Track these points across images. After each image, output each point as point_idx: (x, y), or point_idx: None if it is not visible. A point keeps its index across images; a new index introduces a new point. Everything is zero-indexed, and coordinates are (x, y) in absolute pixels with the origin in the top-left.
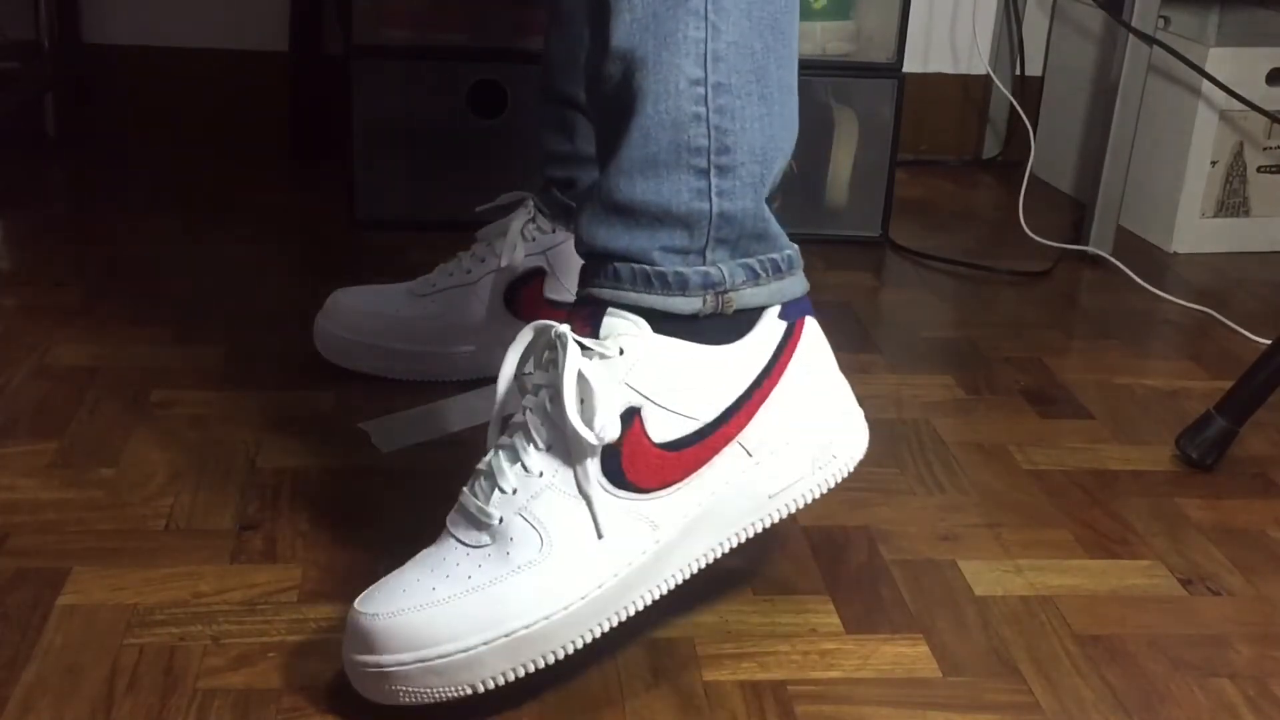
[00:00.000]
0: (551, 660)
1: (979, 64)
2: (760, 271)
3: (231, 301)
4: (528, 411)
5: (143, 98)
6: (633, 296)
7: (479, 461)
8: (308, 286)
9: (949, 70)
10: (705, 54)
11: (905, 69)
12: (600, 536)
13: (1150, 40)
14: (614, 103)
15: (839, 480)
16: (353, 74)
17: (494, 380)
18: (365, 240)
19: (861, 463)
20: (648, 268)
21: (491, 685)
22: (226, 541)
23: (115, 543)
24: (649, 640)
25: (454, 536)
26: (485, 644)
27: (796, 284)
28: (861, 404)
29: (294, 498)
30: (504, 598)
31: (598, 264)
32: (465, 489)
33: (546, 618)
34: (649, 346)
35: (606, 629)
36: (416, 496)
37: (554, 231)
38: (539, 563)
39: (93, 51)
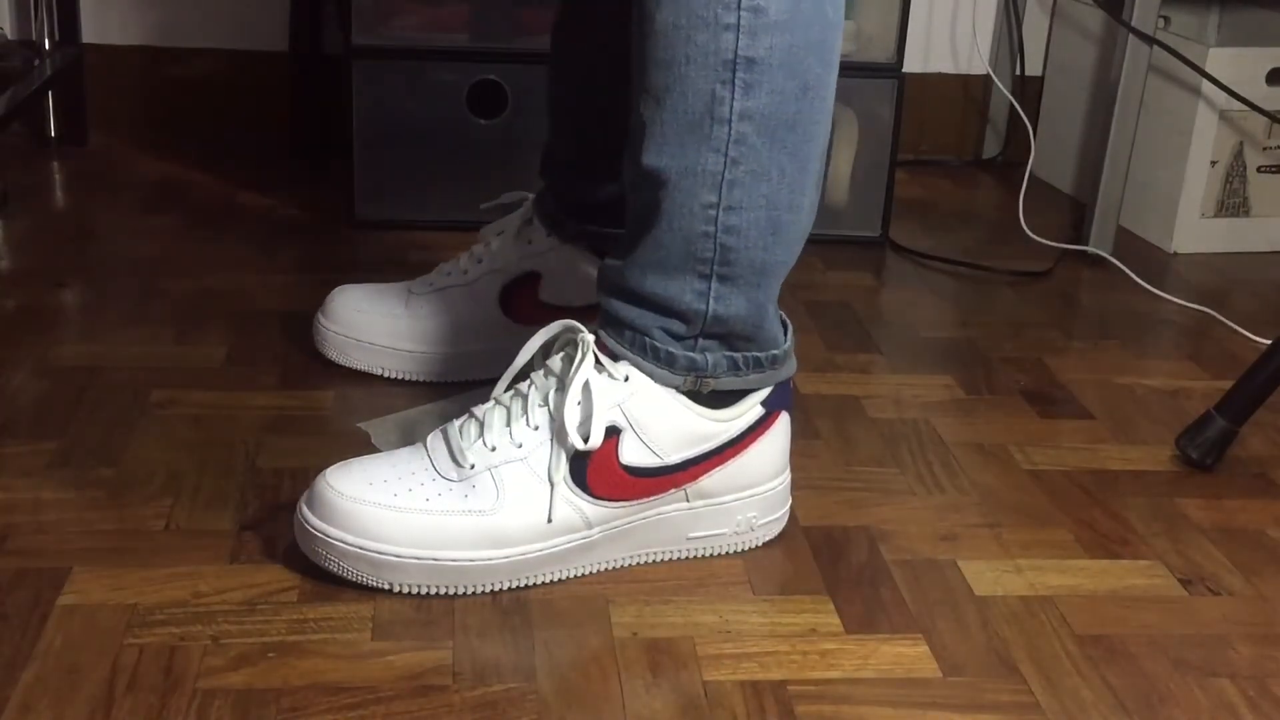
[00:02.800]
0: (459, 592)
1: (979, 64)
2: (742, 366)
3: (231, 301)
4: (533, 388)
5: (143, 98)
6: (631, 357)
7: (476, 405)
8: (308, 286)
9: (949, 70)
10: (721, 183)
11: (905, 69)
12: (549, 521)
13: (1150, 40)
14: (639, 210)
15: (748, 549)
16: (353, 74)
17: (493, 381)
18: (365, 240)
19: (861, 462)
20: (647, 340)
21: (404, 590)
22: (226, 541)
23: (115, 543)
24: (649, 640)
25: (430, 458)
26: (415, 559)
27: (775, 377)
28: (862, 404)
29: (294, 498)
30: (447, 529)
31: (613, 320)
32: (456, 422)
33: (472, 560)
34: (648, 387)
35: (512, 587)
36: None
37: (549, 236)
38: (488, 515)
39: (93, 51)
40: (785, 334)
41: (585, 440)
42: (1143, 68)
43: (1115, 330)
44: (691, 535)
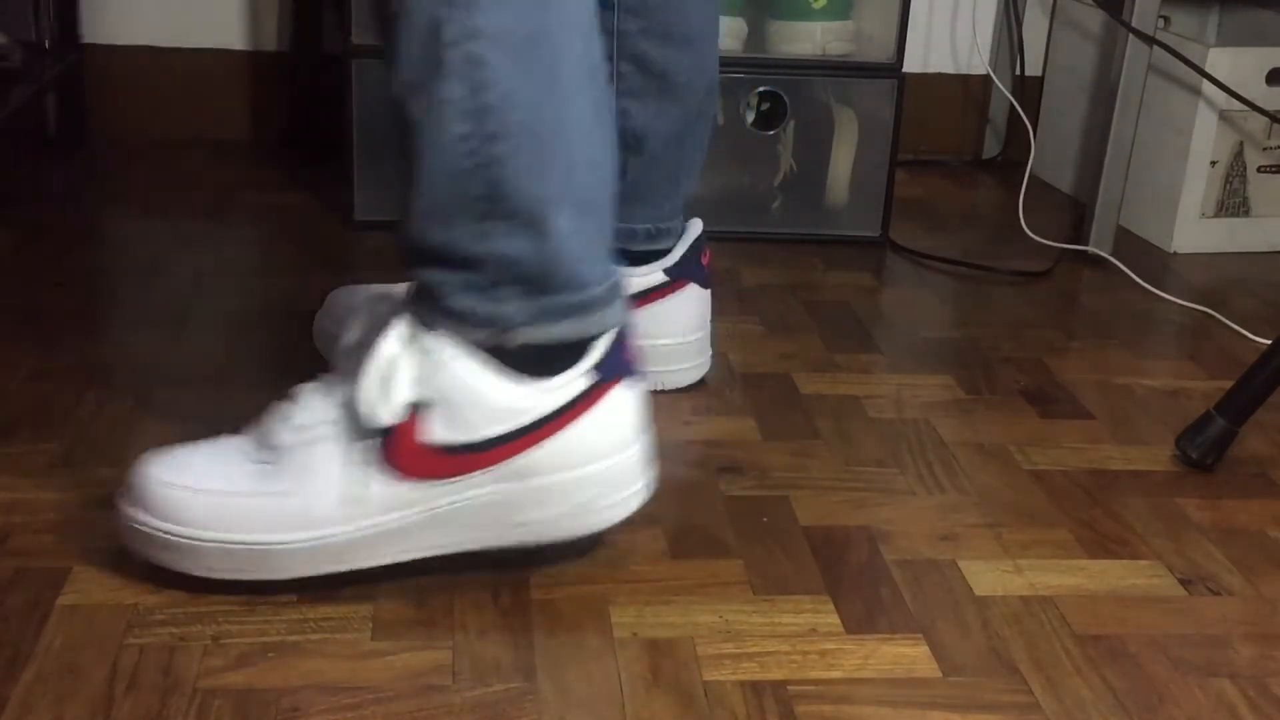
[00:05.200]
0: (264, 578)
1: (979, 64)
2: (550, 312)
3: (231, 301)
4: (344, 363)
5: (143, 98)
6: (436, 324)
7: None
8: (307, 286)
9: (949, 70)
10: (470, 111)
11: (905, 69)
12: (353, 501)
13: (1150, 40)
14: (404, 154)
15: (588, 534)
16: (352, 73)
17: None
18: (365, 240)
19: (861, 462)
20: (447, 300)
21: (205, 575)
22: None
23: (115, 543)
24: (649, 640)
25: (250, 442)
26: (214, 543)
27: (592, 325)
28: (862, 404)
29: None
30: (243, 511)
31: (417, 287)
32: (275, 404)
33: (270, 544)
34: (456, 360)
35: (327, 572)
36: None
37: None
38: (289, 496)
39: (93, 51)
40: (606, 278)
41: (378, 418)
42: (1143, 68)
43: (1115, 330)
44: (520, 519)
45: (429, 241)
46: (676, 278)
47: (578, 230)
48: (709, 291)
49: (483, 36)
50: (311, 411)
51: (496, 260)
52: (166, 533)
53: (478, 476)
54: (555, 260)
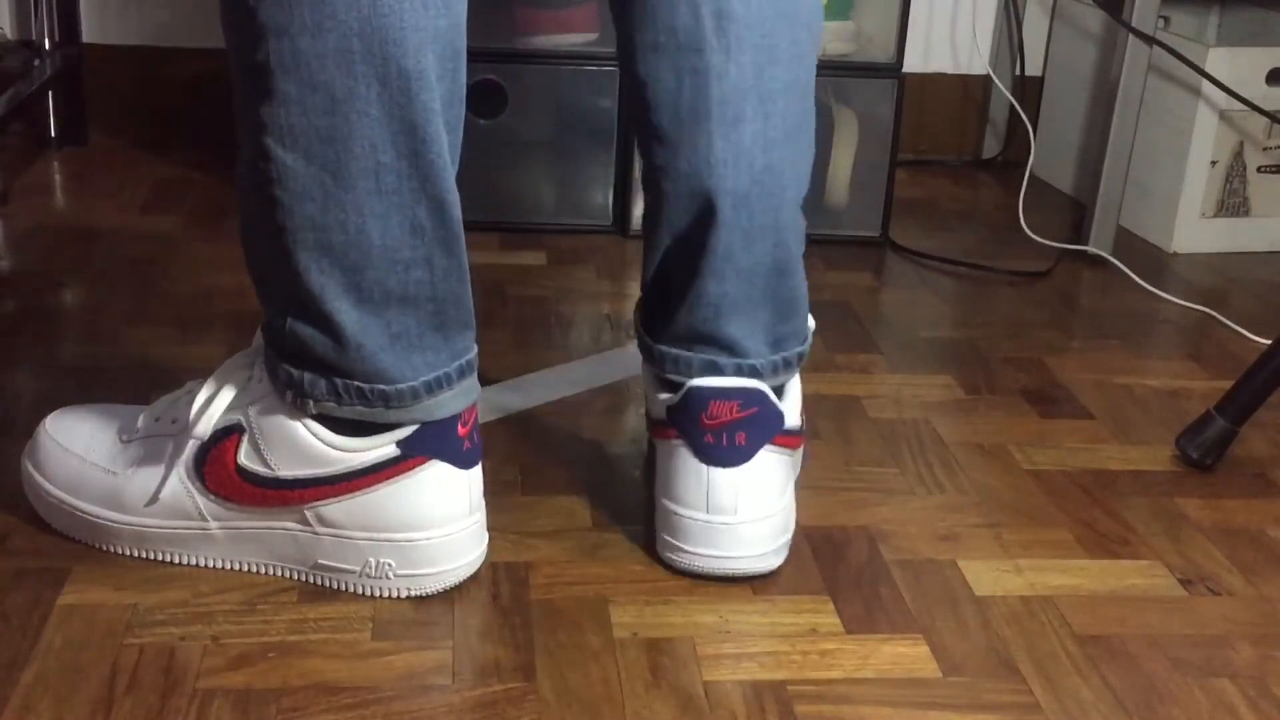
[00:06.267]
0: (98, 547)
1: (979, 64)
2: (342, 394)
3: (232, 301)
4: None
5: (143, 98)
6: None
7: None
8: None
9: (949, 70)
10: (268, 200)
11: (905, 69)
12: (157, 499)
13: (1150, 40)
14: None
15: (384, 596)
16: None
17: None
18: None
19: (861, 462)
20: (266, 349)
21: (63, 534)
22: None
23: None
24: (649, 640)
25: (139, 417)
26: (66, 505)
27: (395, 416)
28: (862, 404)
29: None
30: (87, 479)
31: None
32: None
33: (99, 517)
34: (273, 396)
35: (159, 559)
36: None
37: None
38: (117, 477)
39: (93, 51)
40: (421, 372)
41: (200, 431)
42: (1143, 68)
43: (1115, 330)
44: (320, 561)
45: (260, 299)
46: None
47: (375, 325)
48: None
49: (276, 131)
50: (171, 408)
51: (295, 337)
52: (40, 485)
53: (276, 511)
54: (346, 350)
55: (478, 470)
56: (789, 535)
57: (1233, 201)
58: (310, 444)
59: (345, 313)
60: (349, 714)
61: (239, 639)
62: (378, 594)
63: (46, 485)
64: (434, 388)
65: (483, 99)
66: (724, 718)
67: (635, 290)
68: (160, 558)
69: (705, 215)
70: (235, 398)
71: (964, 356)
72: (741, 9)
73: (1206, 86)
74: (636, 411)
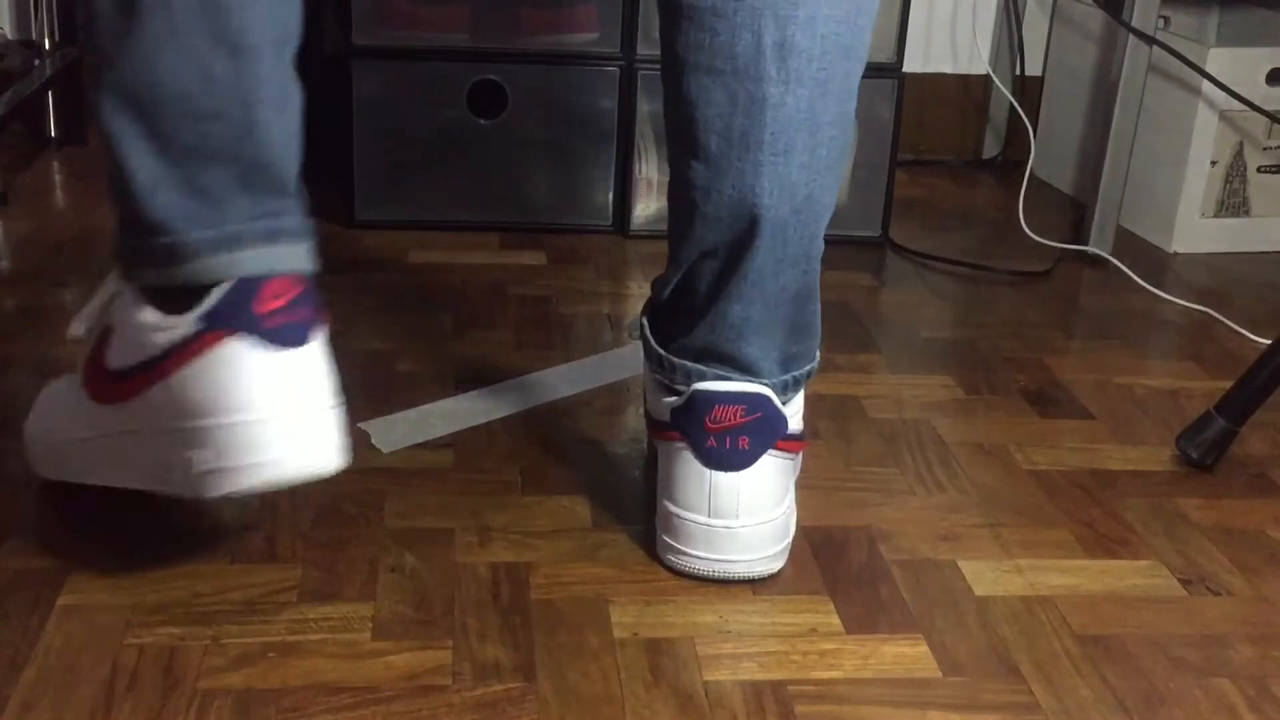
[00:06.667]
0: (76, 481)
1: (979, 64)
2: (141, 251)
3: None
4: None
5: None
6: None
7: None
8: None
9: (949, 70)
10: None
11: (905, 69)
12: (65, 409)
13: (1150, 40)
14: None
15: (172, 493)
16: (353, 74)
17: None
18: (365, 240)
19: (861, 462)
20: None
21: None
22: (226, 541)
23: (115, 543)
24: (649, 640)
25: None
26: (42, 444)
27: (199, 270)
28: (862, 404)
29: (294, 498)
30: (40, 405)
31: None
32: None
33: (64, 440)
34: (122, 286)
35: (70, 480)
36: (416, 496)
37: None
38: (54, 397)
39: None
40: (212, 224)
41: (76, 330)
42: (1143, 68)
43: (1115, 330)
44: (162, 463)
45: None
46: None
47: (174, 177)
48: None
49: None
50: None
51: (113, 195)
52: (33, 437)
53: (130, 407)
54: (145, 202)
55: (302, 354)
56: (789, 539)
57: (1233, 201)
58: (137, 325)
59: (142, 159)
60: (349, 714)
61: (239, 639)
62: (167, 492)
63: (32, 427)
64: (226, 244)
65: (483, 99)
66: (724, 718)
67: (636, 290)
68: (72, 479)
69: (744, 240)
70: (99, 300)
71: (964, 356)
72: (806, 42)
73: (1206, 86)
74: (636, 411)
